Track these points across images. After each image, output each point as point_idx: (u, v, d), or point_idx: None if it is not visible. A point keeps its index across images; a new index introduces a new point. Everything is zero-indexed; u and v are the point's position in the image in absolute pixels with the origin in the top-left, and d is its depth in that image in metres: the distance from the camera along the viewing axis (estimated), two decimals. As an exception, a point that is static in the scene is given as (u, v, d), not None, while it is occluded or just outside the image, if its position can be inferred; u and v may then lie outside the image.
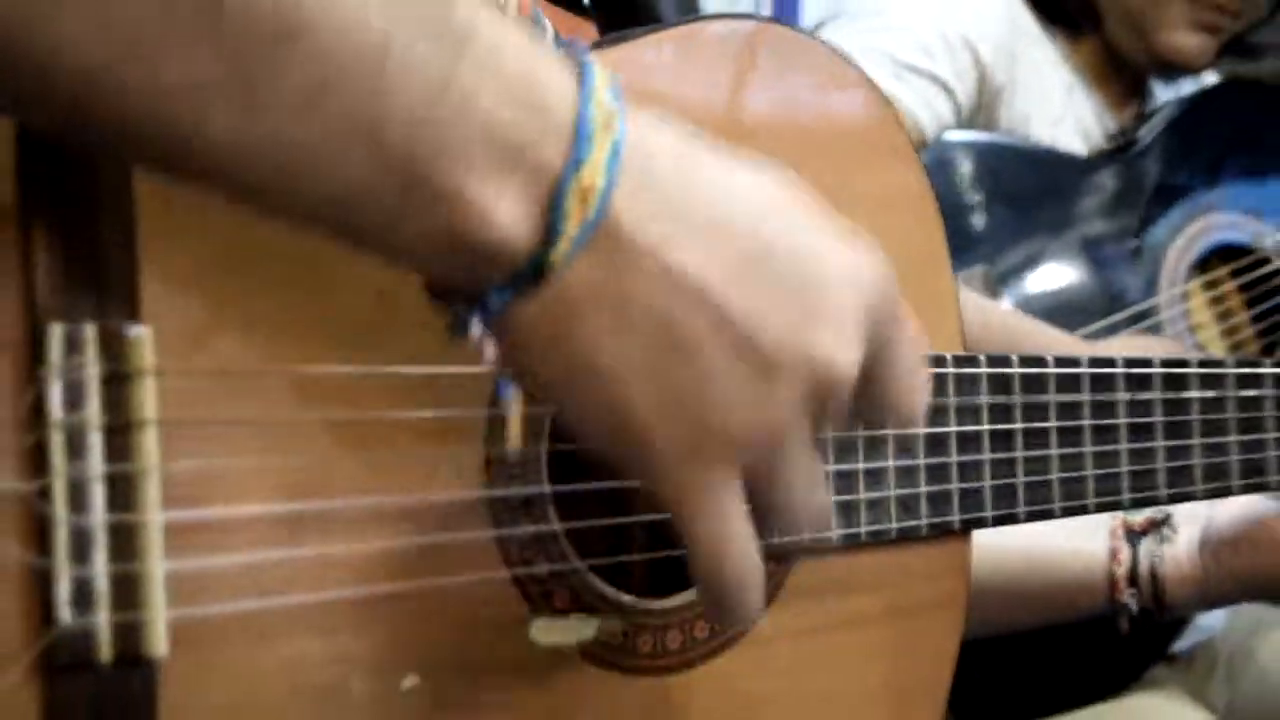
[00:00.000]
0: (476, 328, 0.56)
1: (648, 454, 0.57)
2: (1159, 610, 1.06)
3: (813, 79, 0.82)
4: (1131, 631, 1.08)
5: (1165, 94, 1.82)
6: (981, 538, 0.87)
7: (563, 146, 0.53)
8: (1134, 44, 1.70)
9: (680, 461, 0.58)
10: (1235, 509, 1.05)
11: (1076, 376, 0.87)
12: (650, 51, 0.77)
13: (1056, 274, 1.56)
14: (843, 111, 0.84)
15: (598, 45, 0.76)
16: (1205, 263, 1.64)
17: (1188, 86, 1.83)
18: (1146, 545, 1.06)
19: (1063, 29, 1.70)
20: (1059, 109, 1.67)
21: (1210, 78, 1.81)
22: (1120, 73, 1.75)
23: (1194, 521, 1.07)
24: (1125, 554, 1.07)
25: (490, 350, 0.57)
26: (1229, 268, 1.64)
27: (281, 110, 0.50)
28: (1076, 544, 1.09)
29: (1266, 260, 1.62)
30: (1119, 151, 1.66)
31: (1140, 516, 1.08)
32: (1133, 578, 1.06)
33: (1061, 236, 1.58)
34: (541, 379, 0.58)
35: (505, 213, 0.53)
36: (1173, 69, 1.73)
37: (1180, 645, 1.58)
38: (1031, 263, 1.56)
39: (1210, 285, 1.65)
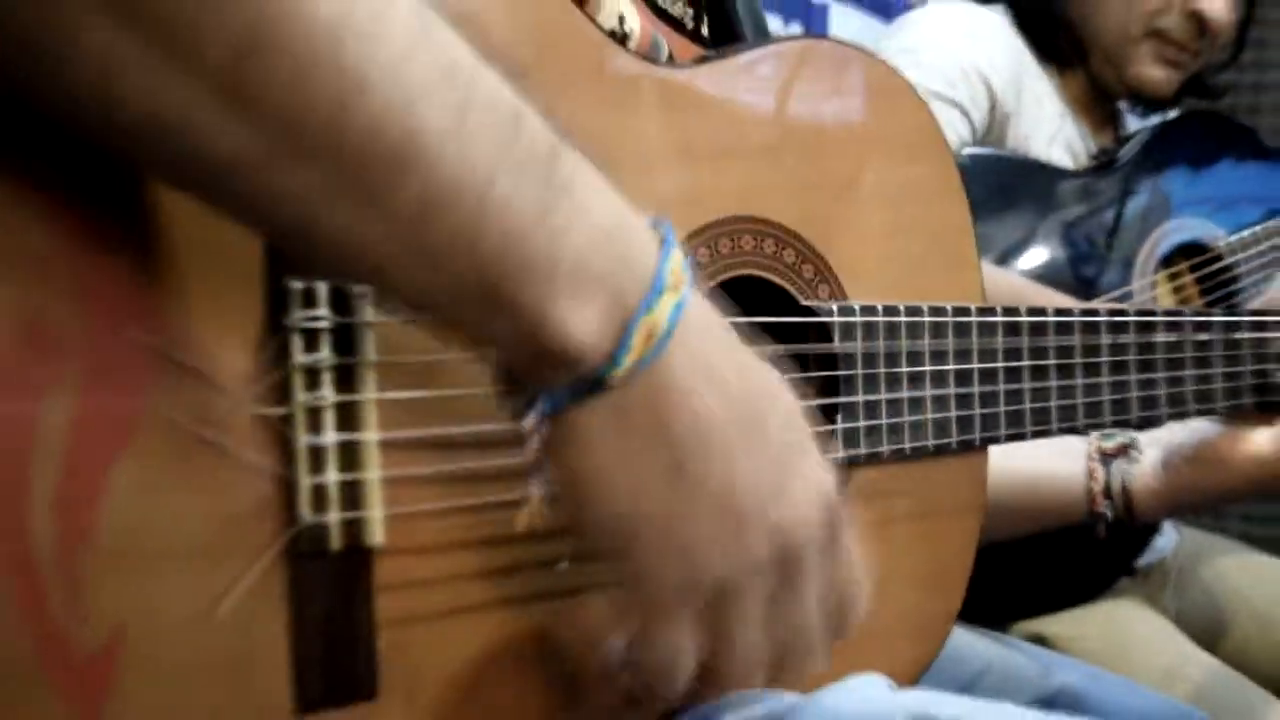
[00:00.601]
0: (532, 419, 0.58)
1: (633, 554, 0.60)
2: (1130, 519, 1.11)
3: (867, 83, 0.85)
4: (1107, 536, 1.12)
5: (1135, 123, 1.87)
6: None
7: (640, 290, 0.56)
8: (1112, 77, 1.73)
9: (657, 569, 0.60)
10: (1189, 434, 1.09)
11: (1070, 324, 0.92)
12: (742, 64, 0.80)
13: (1050, 264, 1.60)
14: (892, 111, 0.86)
15: (701, 59, 0.79)
16: (1169, 259, 1.68)
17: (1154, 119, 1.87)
18: (1118, 465, 1.10)
19: (1056, 65, 1.73)
20: (1053, 132, 1.71)
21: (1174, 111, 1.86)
22: (1101, 103, 1.78)
23: (1155, 445, 1.11)
24: (1100, 473, 1.11)
25: (537, 438, 0.58)
26: (1189, 264, 1.68)
27: (392, 223, 0.52)
28: (1059, 466, 1.12)
29: (1219, 257, 1.66)
30: (1101, 168, 1.69)
31: (1111, 442, 1.12)
32: (1107, 492, 1.11)
33: (1055, 233, 1.61)
34: (571, 469, 0.59)
35: (580, 332, 0.55)
36: (1144, 99, 1.77)
37: (1140, 562, 1.63)
38: (1029, 253, 1.60)
39: (1173, 278, 1.68)
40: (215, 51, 0.47)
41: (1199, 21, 1.67)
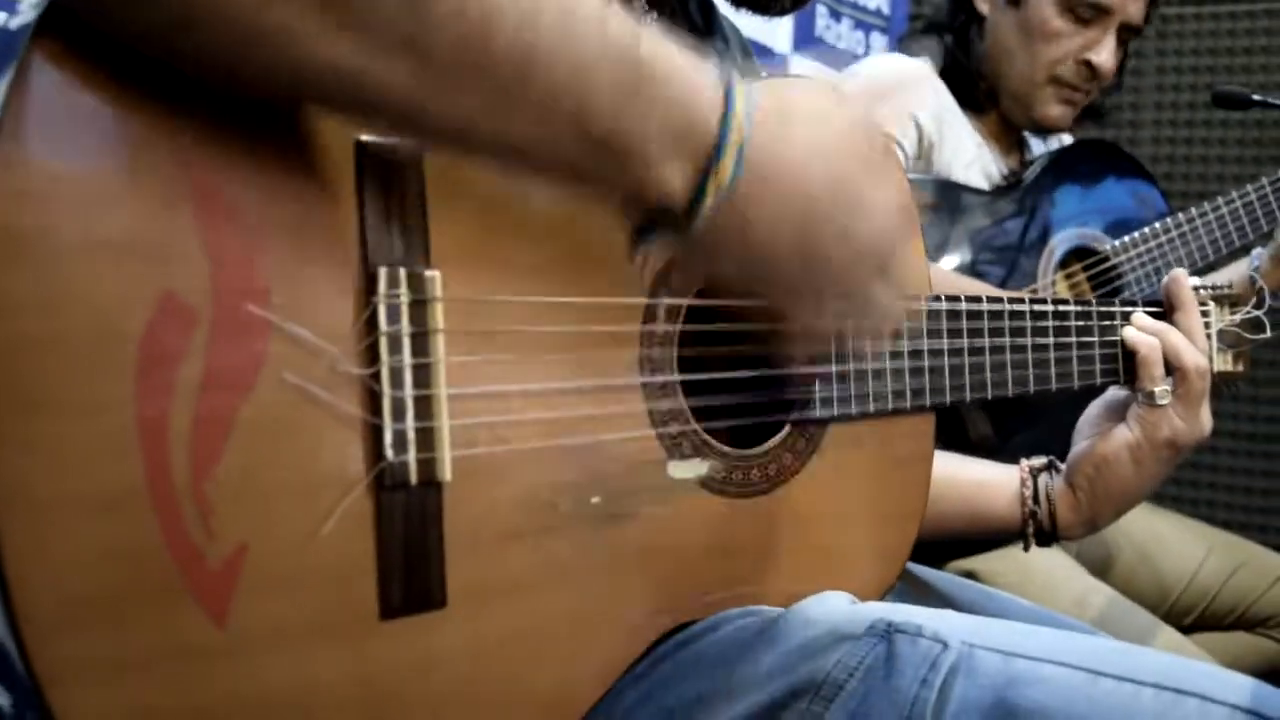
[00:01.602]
0: (647, 248, 0.64)
1: (787, 286, 0.67)
2: (1054, 533, 1.04)
3: None
4: (1038, 540, 1.05)
5: (1038, 145, 1.90)
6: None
7: (708, 148, 0.60)
8: (1020, 115, 1.75)
9: (805, 287, 0.67)
10: (1078, 452, 1.03)
11: (1000, 311, 0.93)
12: None
13: (969, 265, 1.61)
14: None
15: None
16: (1065, 261, 1.69)
17: (1054, 143, 1.91)
18: (1043, 479, 1.04)
19: (972, 108, 1.76)
20: (970, 159, 1.72)
21: (1068, 137, 1.89)
22: (1009, 133, 1.80)
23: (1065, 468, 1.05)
24: (1029, 480, 1.05)
25: (651, 255, 0.65)
26: (1082, 264, 1.69)
27: (527, 118, 0.56)
28: (996, 474, 1.07)
29: (1106, 259, 1.67)
30: (1010, 188, 1.71)
31: (1038, 461, 1.06)
32: (1036, 498, 1.04)
33: (973, 241, 1.63)
34: (717, 254, 0.65)
35: (669, 185, 0.60)
36: (1045, 130, 1.80)
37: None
38: (951, 257, 1.61)
39: (1070, 276, 1.69)
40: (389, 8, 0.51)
41: (1090, 67, 1.69)
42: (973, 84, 1.75)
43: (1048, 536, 1.05)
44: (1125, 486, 1.01)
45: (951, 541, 1.48)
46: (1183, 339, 1.00)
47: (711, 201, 0.61)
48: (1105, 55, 1.68)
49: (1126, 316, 1.02)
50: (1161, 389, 0.99)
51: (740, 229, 0.63)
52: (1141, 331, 1.01)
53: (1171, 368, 1.00)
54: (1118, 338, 1.01)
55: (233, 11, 0.49)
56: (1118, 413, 1.03)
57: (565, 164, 0.59)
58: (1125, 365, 1.01)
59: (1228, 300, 1.11)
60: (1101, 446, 1.01)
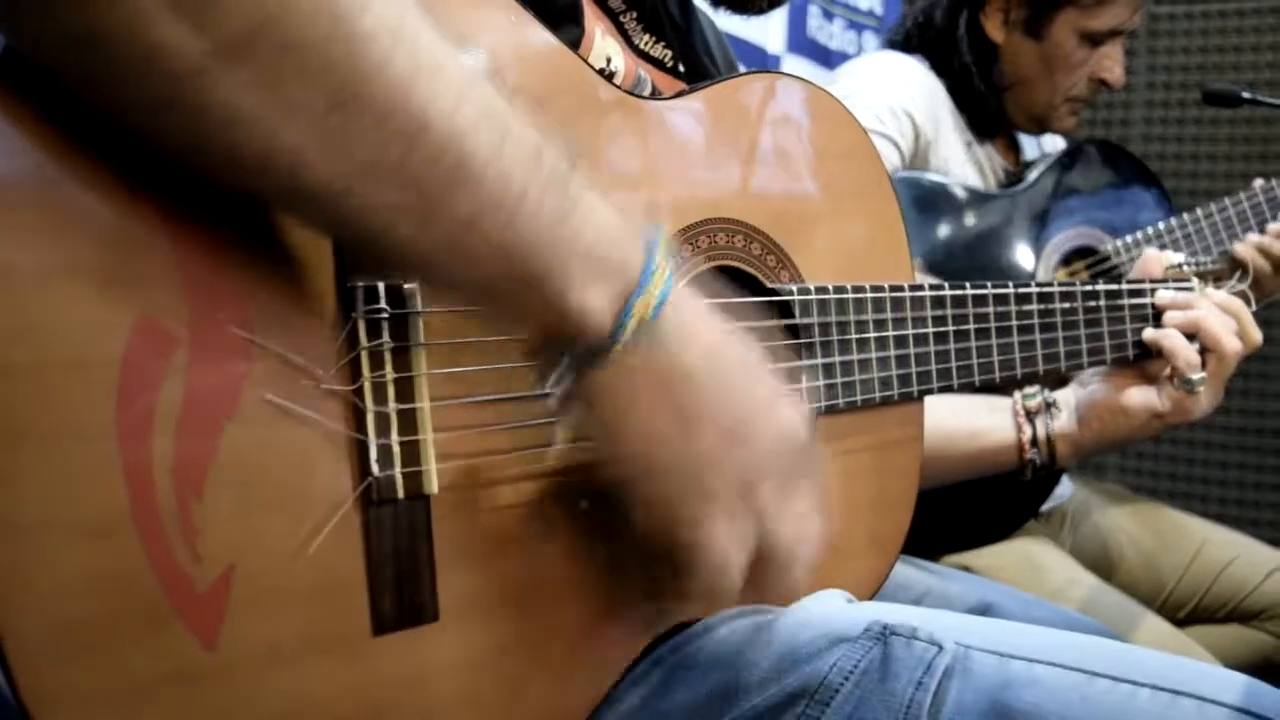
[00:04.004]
0: (557, 375, 0.60)
1: (660, 480, 0.61)
2: (1051, 463, 1.12)
3: (814, 107, 0.85)
4: (1031, 479, 1.13)
5: (1029, 144, 1.90)
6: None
7: (635, 276, 0.58)
8: (1032, 128, 1.79)
9: (682, 489, 0.61)
10: (1092, 394, 1.10)
11: (985, 296, 0.93)
12: (714, 93, 0.80)
13: (971, 264, 1.61)
14: (834, 129, 0.87)
15: (681, 92, 0.79)
16: (1068, 261, 1.69)
17: (1046, 141, 1.92)
18: (1040, 420, 1.12)
19: (971, 118, 1.75)
20: (965, 156, 1.72)
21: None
22: (1005, 132, 1.81)
23: (1068, 405, 1.13)
24: (1026, 427, 1.12)
25: (557, 394, 0.61)
26: (1084, 263, 1.69)
27: (448, 228, 0.54)
28: (992, 423, 1.13)
29: (1107, 258, 1.67)
30: (1010, 187, 1.71)
31: (1033, 401, 1.13)
32: (1034, 442, 1.12)
33: (972, 239, 1.63)
34: (596, 419, 0.61)
35: (593, 308, 0.57)
36: (1046, 132, 1.82)
37: (1044, 508, 1.65)
38: (956, 251, 1.61)
39: (1071, 275, 1.69)
40: (314, 104, 0.49)
41: (1101, 82, 1.72)
42: (984, 105, 1.74)
43: (1041, 470, 1.13)
44: (1130, 437, 1.10)
45: (947, 537, 1.50)
46: (1223, 324, 1.06)
47: (634, 327, 0.58)
48: (1118, 71, 1.72)
49: (1127, 303, 1.04)
50: (1200, 376, 1.05)
51: (659, 366, 0.60)
52: (1180, 315, 1.06)
53: (1205, 348, 1.06)
54: (1125, 324, 1.05)
55: (153, 78, 0.48)
56: (1144, 371, 1.08)
57: (482, 281, 0.57)
58: (1135, 345, 1.06)
59: (1211, 276, 1.12)
60: (1123, 400, 1.08)
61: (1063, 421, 1.12)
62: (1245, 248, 1.55)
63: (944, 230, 1.61)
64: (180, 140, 0.51)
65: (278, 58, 0.48)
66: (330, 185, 0.51)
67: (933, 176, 1.66)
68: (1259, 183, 1.62)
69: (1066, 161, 1.74)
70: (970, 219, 1.63)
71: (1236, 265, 1.13)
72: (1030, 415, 1.12)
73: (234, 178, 0.52)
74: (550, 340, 0.60)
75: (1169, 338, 1.06)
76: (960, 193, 1.65)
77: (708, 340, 0.62)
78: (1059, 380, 1.15)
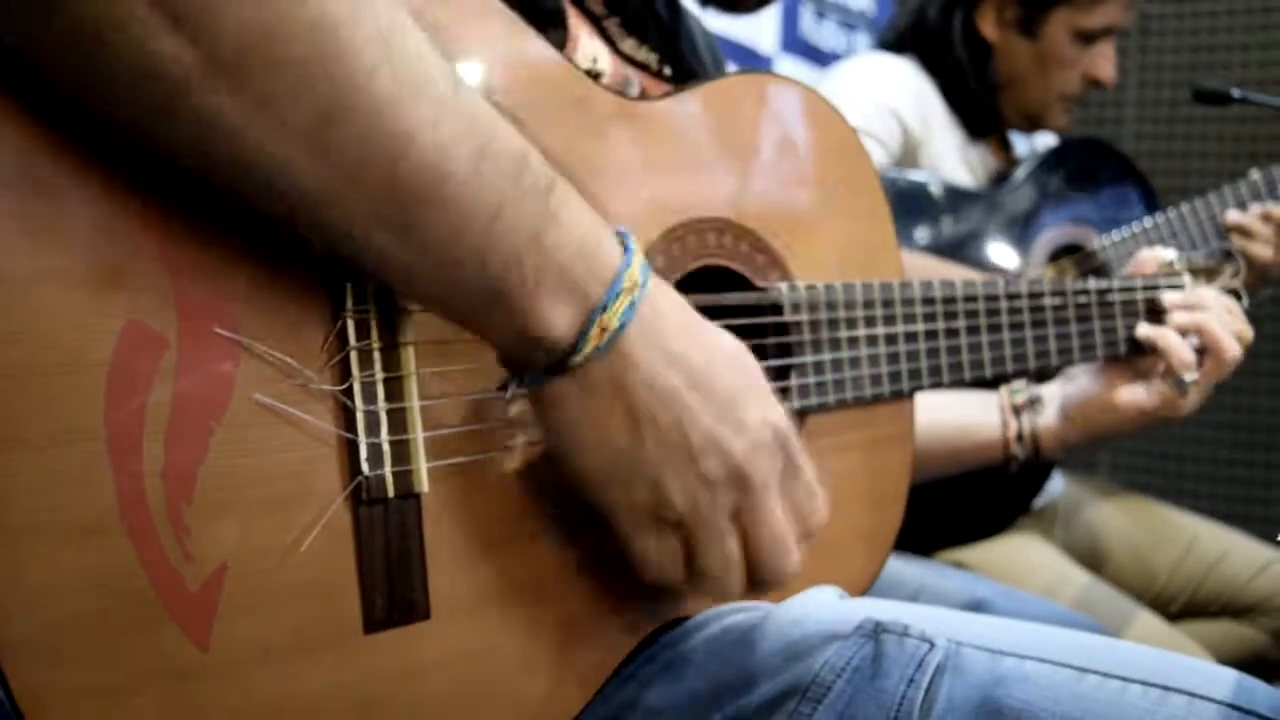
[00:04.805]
0: (513, 389, 0.61)
1: (608, 492, 0.62)
2: (1037, 458, 1.13)
3: (802, 106, 0.85)
4: (1017, 472, 1.14)
5: (1020, 142, 1.90)
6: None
7: (600, 294, 0.58)
8: (1024, 126, 1.79)
9: (627, 500, 0.61)
10: (1079, 389, 1.11)
11: (974, 294, 0.92)
12: (702, 94, 0.80)
13: (958, 259, 1.61)
14: (821, 127, 0.87)
15: (668, 93, 0.79)
16: (1055, 257, 1.69)
17: (1036, 139, 1.92)
18: (1027, 415, 1.13)
19: (963, 117, 1.76)
20: (957, 155, 1.73)
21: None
22: (998, 134, 1.82)
23: (1053, 401, 1.13)
24: (1013, 422, 1.13)
25: (514, 406, 0.62)
26: (1072, 260, 1.69)
27: (425, 241, 0.54)
28: (980, 417, 1.14)
29: (1095, 255, 1.67)
30: (998, 185, 1.72)
31: (1020, 397, 1.14)
32: (1019, 437, 1.12)
33: (961, 237, 1.63)
34: (552, 432, 0.61)
35: (557, 326, 0.57)
36: (1039, 130, 1.83)
37: (1036, 504, 1.65)
38: (942, 250, 1.61)
39: (1059, 272, 1.68)
40: (302, 118, 0.50)
41: (1094, 80, 1.73)
42: (977, 104, 1.75)
43: (1027, 464, 1.14)
44: (1116, 432, 1.11)
45: (941, 534, 1.50)
46: (1227, 327, 1.06)
47: (592, 345, 0.58)
48: (1110, 69, 1.73)
49: (1117, 300, 1.04)
50: (1193, 376, 1.05)
51: (616, 386, 0.59)
52: (1186, 316, 1.06)
53: (1203, 349, 1.06)
54: (1116, 321, 1.05)
55: (147, 87, 0.48)
56: (1133, 367, 1.08)
57: (455, 292, 0.57)
58: (1127, 342, 1.05)
59: (1204, 272, 1.12)
60: (1110, 397, 1.08)
61: (1048, 416, 1.12)
62: (1247, 218, 1.55)
63: (932, 229, 1.61)
64: (173, 146, 0.51)
65: (270, 74, 0.49)
66: (314, 195, 0.52)
67: (914, 175, 1.66)
68: (1255, 172, 1.63)
69: (1053, 159, 1.75)
70: (958, 217, 1.64)
71: (1226, 258, 1.13)
72: (1017, 410, 1.13)
73: (223, 182, 0.53)
74: (514, 355, 0.60)
75: (1165, 336, 1.05)
76: (947, 191, 1.65)
77: (680, 350, 0.61)
78: (1045, 375, 1.15)
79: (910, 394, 0.89)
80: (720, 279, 0.80)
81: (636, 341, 0.59)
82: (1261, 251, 1.56)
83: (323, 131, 0.50)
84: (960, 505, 1.45)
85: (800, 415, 0.83)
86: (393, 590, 0.60)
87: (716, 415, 0.61)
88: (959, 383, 0.92)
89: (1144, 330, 1.06)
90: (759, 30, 2.43)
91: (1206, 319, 1.06)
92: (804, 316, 0.83)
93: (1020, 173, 1.73)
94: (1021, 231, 1.67)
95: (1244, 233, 1.57)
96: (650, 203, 0.75)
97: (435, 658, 0.62)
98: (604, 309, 0.58)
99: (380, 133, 0.51)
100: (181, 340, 0.53)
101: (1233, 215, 1.58)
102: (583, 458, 0.61)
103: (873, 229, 0.88)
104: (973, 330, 0.92)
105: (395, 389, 0.60)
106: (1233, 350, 1.06)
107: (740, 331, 0.67)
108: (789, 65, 2.52)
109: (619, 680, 0.72)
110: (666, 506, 0.61)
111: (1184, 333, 1.06)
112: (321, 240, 0.56)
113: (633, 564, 0.64)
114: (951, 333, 0.91)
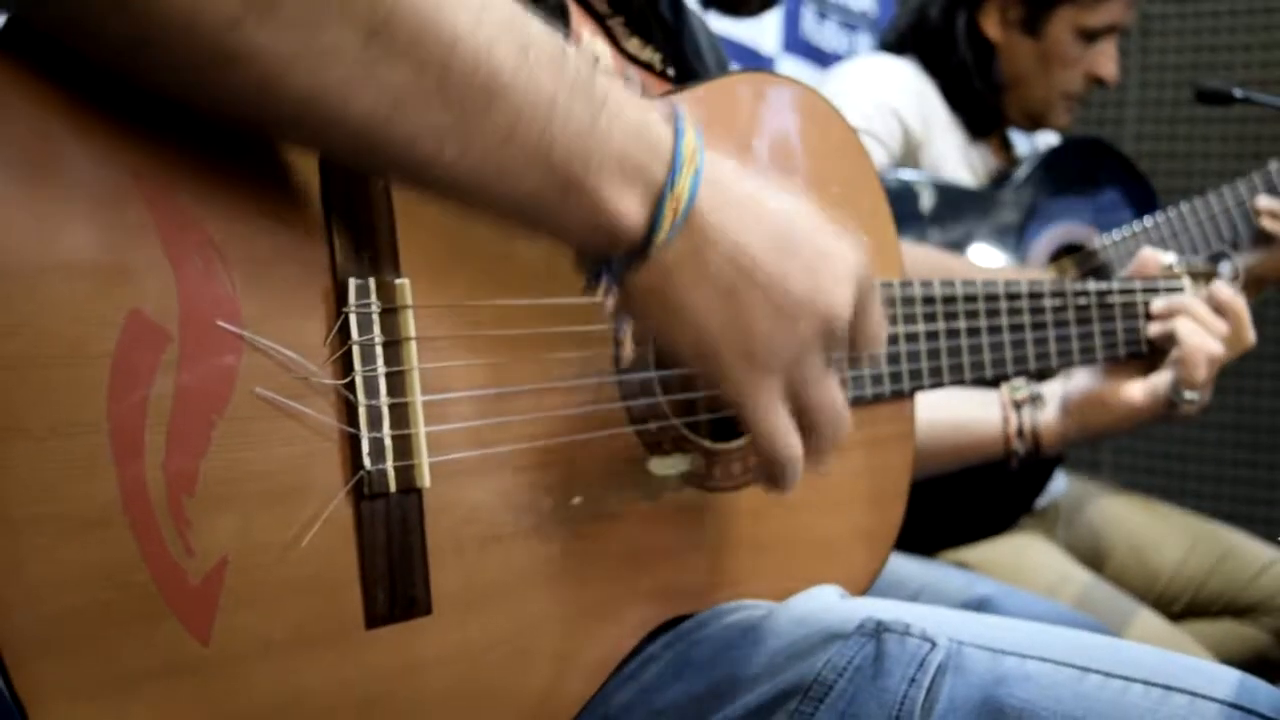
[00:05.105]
0: (604, 285, 0.60)
1: (718, 365, 0.61)
2: (1037, 453, 1.13)
3: (802, 104, 0.84)
4: (1018, 468, 1.14)
5: (1020, 141, 1.90)
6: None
7: (663, 172, 0.57)
8: (1026, 124, 1.79)
9: (740, 370, 0.61)
10: (1079, 386, 1.11)
11: (975, 294, 0.91)
12: (703, 94, 0.79)
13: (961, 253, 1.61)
14: (822, 125, 0.86)
15: (669, 92, 0.79)
16: (1055, 257, 1.69)
17: (1038, 139, 1.92)
18: (1027, 411, 1.13)
19: (964, 117, 1.76)
20: (958, 155, 1.73)
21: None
22: (997, 130, 1.82)
23: (1054, 397, 1.13)
24: (1013, 418, 1.13)
25: (610, 301, 0.61)
26: (1072, 260, 1.68)
27: (488, 143, 0.54)
28: (981, 414, 1.14)
29: (1095, 254, 1.67)
30: (999, 185, 1.71)
31: (1020, 393, 1.14)
32: (1020, 433, 1.13)
33: (962, 237, 1.62)
34: (646, 319, 0.61)
35: (627, 212, 0.57)
36: (1041, 129, 1.83)
37: (1038, 504, 1.65)
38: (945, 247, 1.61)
39: (1059, 272, 1.68)
40: (348, 37, 0.50)
41: (1097, 79, 1.73)
42: (979, 104, 1.75)
43: (1027, 460, 1.14)
44: (1113, 430, 1.11)
45: (943, 534, 1.50)
46: (1200, 332, 1.05)
47: (669, 224, 0.58)
48: (1112, 67, 1.73)
49: (1117, 301, 1.04)
50: (1193, 395, 1.06)
51: (698, 260, 0.59)
52: (1158, 326, 1.06)
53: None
54: (1116, 322, 1.04)
55: (197, 32, 0.48)
56: (1134, 367, 1.08)
57: (522, 195, 0.56)
58: (1126, 345, 1.05)
59: (1203, 276, 1.12)
60: (1112, 395, 1.09)
61: (1049, 412, 1.13)
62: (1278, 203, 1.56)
63: (933, 229, 1.61)
64: (233, 95, 0.51)
65: None
66: (374, 115, 0.52)
67: (921, 175, 1.65)
68: (1274, 163, 1.63)
69: (1054, 159, 1.75)
70: (959, 216, 1.63)
71: (1220, 259, 1.13)
72: (1017, 406, 1.13)
73: (288, 124, 0.53)
74: (592, 250, 0.60)
75: (1187, 350, 1.05)
76: (949, 191, 1.65)
77: (756, 210, 0.61)
78: (1045, 375, 1.15)
79: (911, 394, 0.89)
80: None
81: (710, 213, 0.59)
82: None
83: (373, 47, 0.50)
84: (963, 505, 1.45)
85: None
86: (394, 586, 0.60)
87: (805, 269, 0.61)
88: (959, 383, 0.92)
89: (1155, 330, 1.06)
90: (761, 31, 2.43)
91: (1176, 324, 1.05)
92: None
93: (1021, 173, 1.73)
94: (1022, 231, 1.67)
95: (1276, 216, 1.57)
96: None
97: (437, 654, 0.62)
98: (672, 185, 0.57)
99: (428, 37, 0.51)
100: (184, 333, 0.53)
101: (1263, 200, 1.58)
102: (684, 336, 0.60)
103: (874, 229, 0.87)
104: (973, 331, 0.92)
105: (398, 384, 0.60)
106: (1203, 365, 1.05)
107: None
108: (791, 66, 2.52)
109: (621, 677, 0.72)
110: (768, 368, 0.61)
111: (1163, 338, 1.06)
112: (390, 165, 0.56)
113: (758, 444, 0.63)
114: (952, 333, 0.90)
